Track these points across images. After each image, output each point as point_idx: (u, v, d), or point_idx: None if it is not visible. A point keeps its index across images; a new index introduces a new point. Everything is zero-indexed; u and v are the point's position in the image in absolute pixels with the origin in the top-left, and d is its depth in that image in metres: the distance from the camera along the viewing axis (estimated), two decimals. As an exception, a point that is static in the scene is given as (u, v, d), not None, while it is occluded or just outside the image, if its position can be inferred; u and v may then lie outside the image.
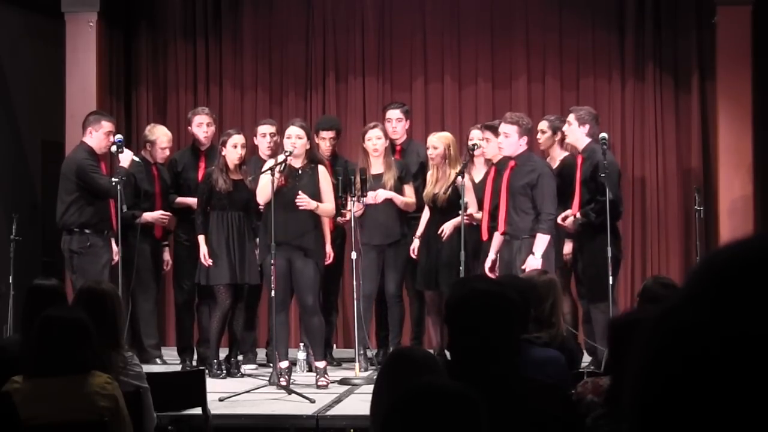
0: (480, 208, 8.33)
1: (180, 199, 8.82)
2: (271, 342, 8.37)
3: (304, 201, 7.82)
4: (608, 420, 3.46)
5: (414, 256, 8.55)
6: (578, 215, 8.04)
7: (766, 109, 9.78)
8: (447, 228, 8.31)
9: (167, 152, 8.93)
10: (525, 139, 7.95)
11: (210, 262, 8.16)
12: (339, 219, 8.53)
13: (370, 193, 8.43)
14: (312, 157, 8.01)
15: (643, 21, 10.22)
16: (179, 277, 8.89)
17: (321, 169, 8.02)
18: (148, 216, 8.61)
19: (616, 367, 3.60)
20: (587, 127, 8.18)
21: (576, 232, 8.13)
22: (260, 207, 8.17)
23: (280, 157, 7.85)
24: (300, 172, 7.94)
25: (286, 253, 7.83)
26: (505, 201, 7.95)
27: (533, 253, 7.72)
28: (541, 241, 7.75)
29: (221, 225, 8.25)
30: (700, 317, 0.92)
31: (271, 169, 7.76)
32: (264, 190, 7.83)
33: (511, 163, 7.97)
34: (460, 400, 2.27)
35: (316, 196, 7.91)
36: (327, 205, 7.95)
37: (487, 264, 7.91)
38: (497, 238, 7.98)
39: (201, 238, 8.26)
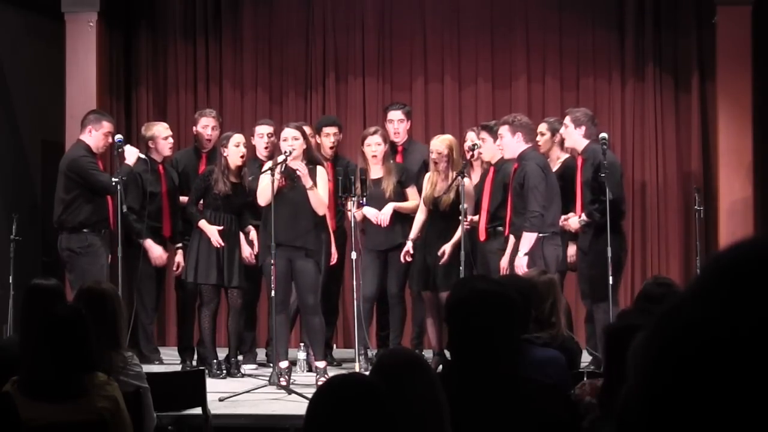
0: (477, 209, 8.31)
1: (184, 199, 8.76)
2: (271, 342, 8.38)
3: (304, 171, 7.82)
4: (605, 422, 3.46)
5: (408, 260, 8.45)
6: (583, 216, 8.04)
7: (766, 109, 9.78)
8: (448, 254, 8.21)
9: (170, 141, 8.85)
10: (520, 135, 7.92)
11: (222, 243, 8.20)
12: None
13: (371, 212, 8.36)
14: (310, 157, 8.03)
15: (643, 21, 10.22)
16: (180, 277, 8.87)
17: (319, 168, 8.04)
18: (150, 249, 8.57)
19: (610, 370, 3.59)
20: (584, 128, 8.18)
21: (581, 233, 8.13)
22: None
23: (279, 158, 7.88)
24: (298, 172, 7.95)
25: (286, 254, 7.87)
26: (510, 201, 7.96)
27: (518, 251, 7.70)
28: (526, 239, 7.72)
29: (213, 225, 8.28)
30: (710, 312, 0.93)
31: (271, 169, 7.80)
32: (264, 191, 7.86)
33: (515, 165, 7.97)
34: (363, 388, 2.48)
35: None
36: (320, 194, 7.92)
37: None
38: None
39: (203, 222, 8.29)
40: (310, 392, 7.35)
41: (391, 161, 8.65)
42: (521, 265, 7.59)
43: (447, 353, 3.51)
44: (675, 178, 10.19)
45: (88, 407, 4.05)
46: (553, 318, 5.04)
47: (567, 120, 8.26)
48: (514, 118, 8.00)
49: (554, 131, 8.61)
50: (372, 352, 8.70)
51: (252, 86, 10.66)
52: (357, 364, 7.95)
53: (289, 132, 7.99)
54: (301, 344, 8.67)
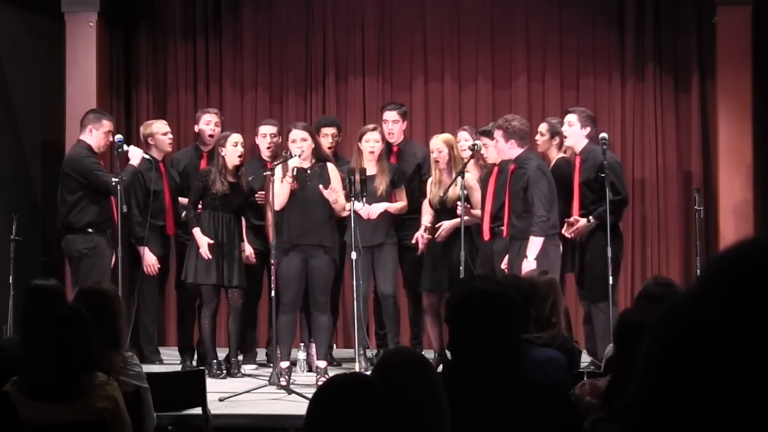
0: (480, 208, 8.30)
1: (183, 200, 8.75)
2: (271, 342, 8.37)
3: (332, 194, 7.88)
4: (607, 423, 3.45)
5: (426, 237, 8.42)
6: (591, 219, 7.99)
7: (766, 109, 9.78)
8: (445, 229, 8.26)
9: (170, 138, 8.88)
10: (513, 142, 7.89)
11: (209, 255, 8.16)
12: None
13: (362, 209, 8.33)
14: (318, 155, 8.09)
15: (642, 19, 10.21)
16: (180, 276, 8.87)
17: (330, 166, 8.12)
18: (144, 257, 8.56)
19: (619, 366, 3.59)
20: (588, 129, 8.17)
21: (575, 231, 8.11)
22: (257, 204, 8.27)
23: (291, 162, 7.87)
24: (309, 172, 7.99)
25: (302, 254, 7.91)
26: (508, 203, 7.94)
27: (526, 256, 7.67)
28: (534, 243, 7.69)
29: (211, 225, 8.26)
30: (713, 313, 0.93)
31: (270, 170, 7.86)
32: (279, 196, 7.89)
33: (512, 166, 7.96)
34: (364, 388, 2.48)
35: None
36: (341, 200, 8.01)
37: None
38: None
39: (196, 231, 8.25)
40: (310, 392, 7.35)
41: (385, 161, 8.65)
42: (529, 269, 7.54)
43: (448, 353, 3.51)
44: (675, 177, 10.19)
45: (87, 407, 4.05)
46: (554, 318, 5.04)
47: (573, 118, 8.18)
48: (508, 124, 7.93)
49: (554, 133, 8.57)
50: (371, 352, 8.69)
51: (252, 86, 10.66)
52: (357, 364, 7.94)
53: (297, 134, 8.03)
54: (301, 344, 8.66)
